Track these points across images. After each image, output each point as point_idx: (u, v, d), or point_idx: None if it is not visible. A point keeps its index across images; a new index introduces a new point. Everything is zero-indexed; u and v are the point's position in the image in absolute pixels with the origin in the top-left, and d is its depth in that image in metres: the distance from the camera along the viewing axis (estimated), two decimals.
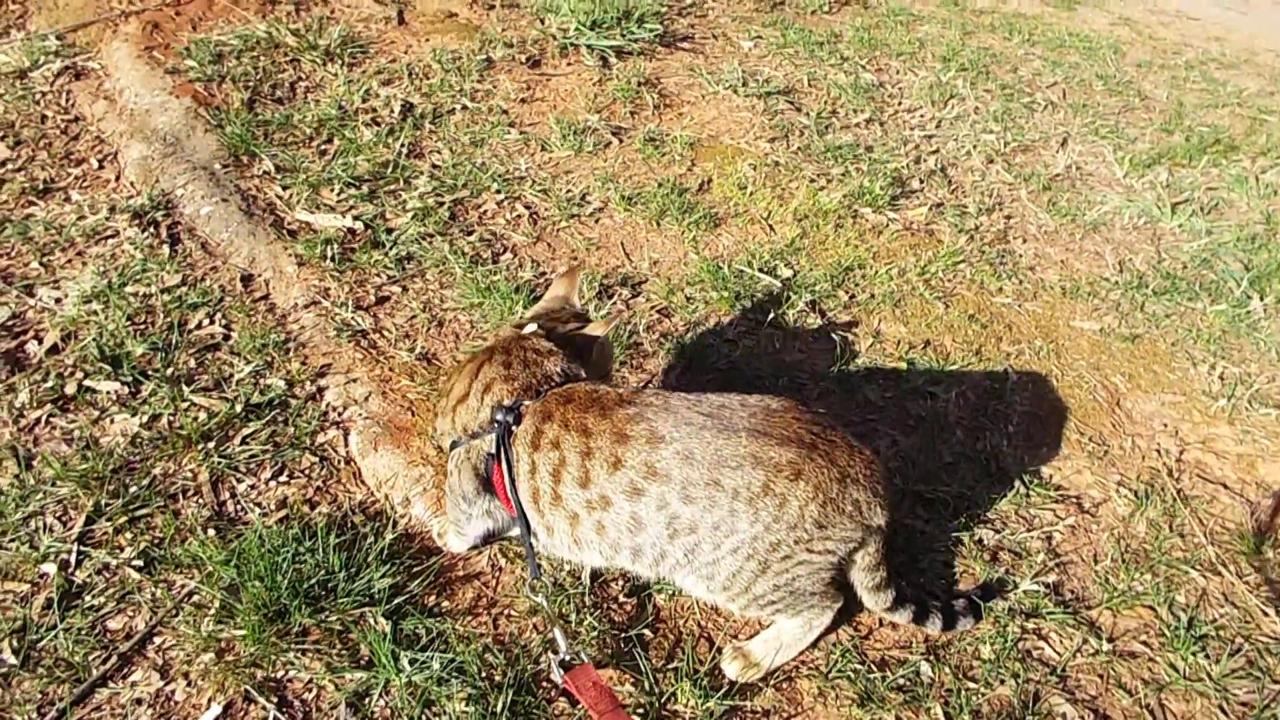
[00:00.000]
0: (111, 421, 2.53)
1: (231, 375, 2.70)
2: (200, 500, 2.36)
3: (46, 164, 3.50)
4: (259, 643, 2.02)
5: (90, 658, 1.99)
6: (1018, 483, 2.69)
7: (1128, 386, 3.15)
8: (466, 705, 1.95)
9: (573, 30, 4.65)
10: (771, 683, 2.10)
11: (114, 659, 1.99)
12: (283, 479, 2.45)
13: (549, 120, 4.08)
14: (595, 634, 2.15)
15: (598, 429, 1.92)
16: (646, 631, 2.18)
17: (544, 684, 2.04)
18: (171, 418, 2.54)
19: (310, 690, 1.99)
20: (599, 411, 1.94)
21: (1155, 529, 2.63)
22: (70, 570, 2.15)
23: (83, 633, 2.03)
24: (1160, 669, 2.27)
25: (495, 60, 4.43)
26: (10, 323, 2.78)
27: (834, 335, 3.13)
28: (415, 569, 2.23)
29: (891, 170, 4.10)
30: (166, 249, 3.13)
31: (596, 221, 3.54)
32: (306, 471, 2.48)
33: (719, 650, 2.14)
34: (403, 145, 3.72)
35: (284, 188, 3.43)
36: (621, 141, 4.04)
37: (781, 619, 2.09)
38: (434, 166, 3.68)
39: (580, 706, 1.95)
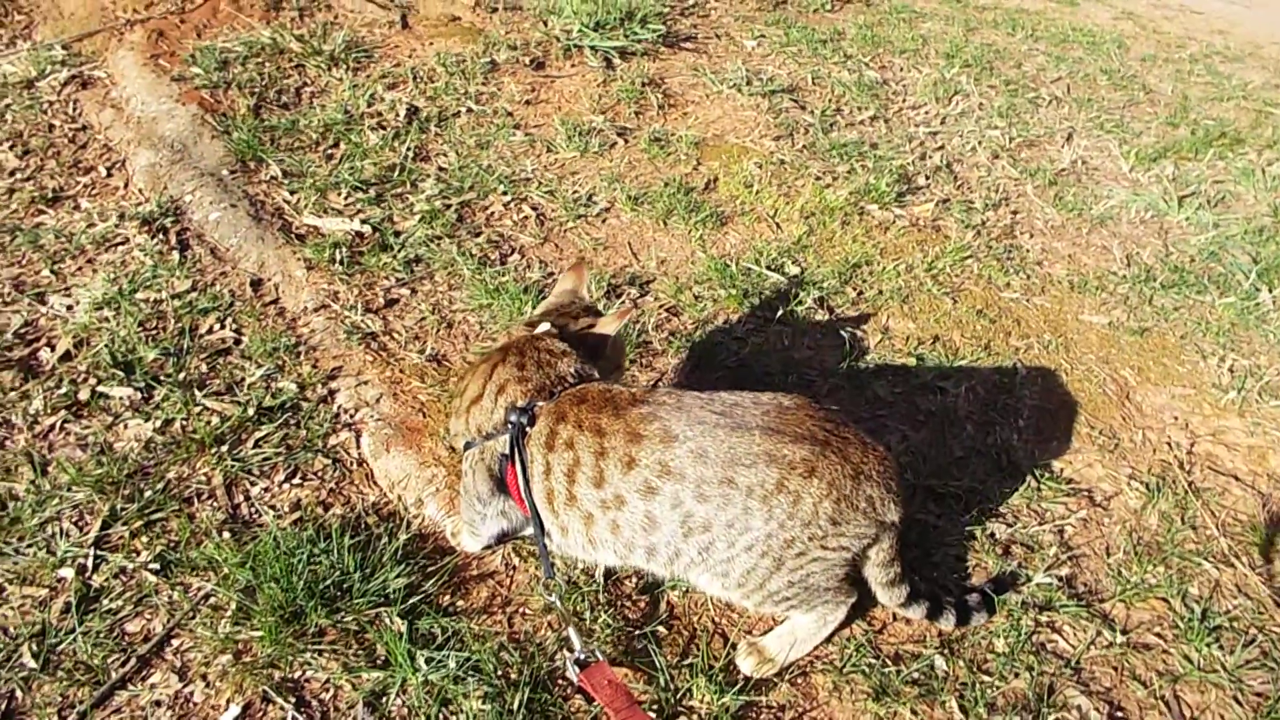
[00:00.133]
0: (125, 427, 2.54)
1: (243, 379, 2.71)
2: (215, 503, 2.37)
3: (55, 172, 3.52)
4: (276, 644, 2.03)
5: (109, 660, 2.00)
6: (1029, 476, 2.70)
7: (1137, 380, 3.16)
8: (483, 703, 1.96)
9: (576, 32, 4.66)
10: (786, 678, 2.11)
11: (133, 661, 2.01)
12: (296, 481, 2.46)
13: (554, 121, 4.09)
14: (610, 632, 2.16)
15: (611, 429, 1.92)
16: (661, 629, 2.19)
17: (560, 682, 2.05)
18: (184, 422, 2.56)
19: (328, 690, 2.00)
20: (612, 411, 1.95)
21: (1167, 521, 2.63)
22: (88, 574, 2.17)
23: (101, 636, 2.05)
24: (1174, 660, 2.27)
25: (499, 63, 4.44)
26: (23, 330, 2.80)
27: (842, 332, 3.13)
28: (430, 569, 2.24)
29: (897, 167, 4.11)
30: (176, 255, 3.15)
31: (603, 221, 3.55)
32: (319, 474, 2.49)
33: (733, 646, 2.15)
34: (409, 149, 3.74)
35: (291, 192, 3.44)
36: (626, 142, 4.05)
37: (796, 615, 2.10)
38: (440, 169, 3.70)
39: (596, 704, 1.96)
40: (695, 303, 3.19)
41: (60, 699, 1.94)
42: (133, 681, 1.99)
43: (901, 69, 5.20)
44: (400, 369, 2.79)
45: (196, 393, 2.63)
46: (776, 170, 3.98)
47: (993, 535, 2.52)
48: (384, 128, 3.86)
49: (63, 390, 2.60)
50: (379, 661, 2.05)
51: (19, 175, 3.47)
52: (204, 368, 2.73)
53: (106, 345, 2.72)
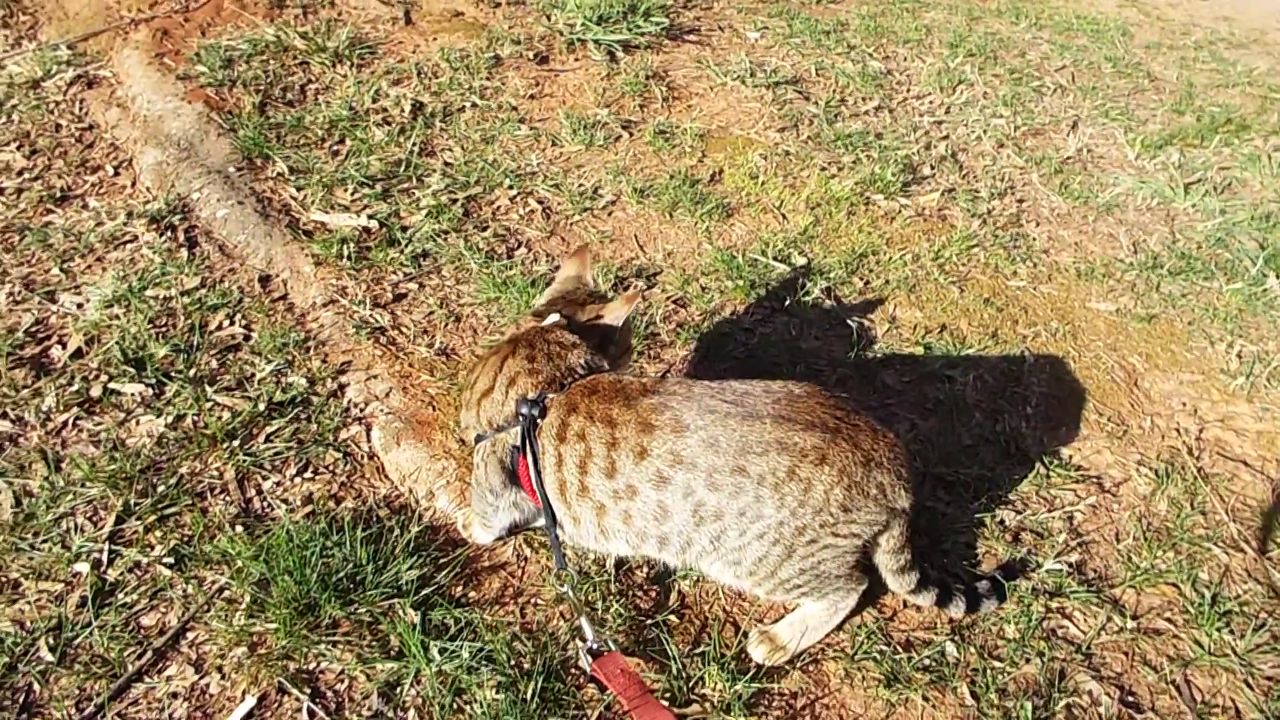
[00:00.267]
0: (137, 423, 2.56)
1: (253, 374, 2.72)
2: (227, 498, 2.39)
3: (63, 172, 3.53)
4: (290, 636, 2.05)
5: (125, 653, 2.02)
6: (1038, 464, 2.70)
7: (1145, 366, 3.15)
8: (497, 693, 1.98)
9: (579, 25, 4.66)
10: (798, 665, 2.12)
11: (149, 654, 2.02)
12: (308, 475, 2.48)
13: (559, 115, 4.09)
14: (621, 621, 2.17)
15: (623, 419, 1.93)
16: (672, 618, 2.20)
17: (573, 671, 2.06)
18: (196, 418, 2.57)
19: (342, 681, 2.02)
20: (623, 402, 1.95)
21: (1176, 507, 2.64)
22: (102, 569, 2.18)
23: (117, 629, 2.06)
24: (1185, 645, 2.27)
25: (503, 57, 4.45)
26: (34, 328, 2.81)
27: (850, 321, 3.14)
28: (442, 560, 2.25)
29: (902, 157, 4.10)
30: (185, 252, 3.16)
31: (609, 214, 3.56)
32: (331, 467, 2.51)
33: (745, 634, 2.16)
34: (414, 144, 3.74)
35: (298, 189, 3.45)
36: (631, 135, 4.05)
37: (807, 602, 2.10)
38: (446, 164, 3.70)
39: (609, 693, 1.97)
40: (702, 294, 3.19)
41: (78, 692, 1.95)
42: (149, 674, 2.00)
43: (905, 59, 5.19)
44: (409, 363, 2.80)
45: (207, 388, 2.64)
46: (782, 161, 3.98)
47: (1002, 522, 2.52)
48: (389, 123, 3.87)
49: (74, 387, 2.62)
50: (393, 652, 2.06)
51: (27, 175, 3.48)
52: (214, 364, 2.75)
53: (117, 342, 2.74)
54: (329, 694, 1.99)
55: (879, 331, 3.13)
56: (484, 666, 2.03)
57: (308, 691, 1.98)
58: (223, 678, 2.01)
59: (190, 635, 2.08)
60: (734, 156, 3.98)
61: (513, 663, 2.04)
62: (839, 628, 2.18)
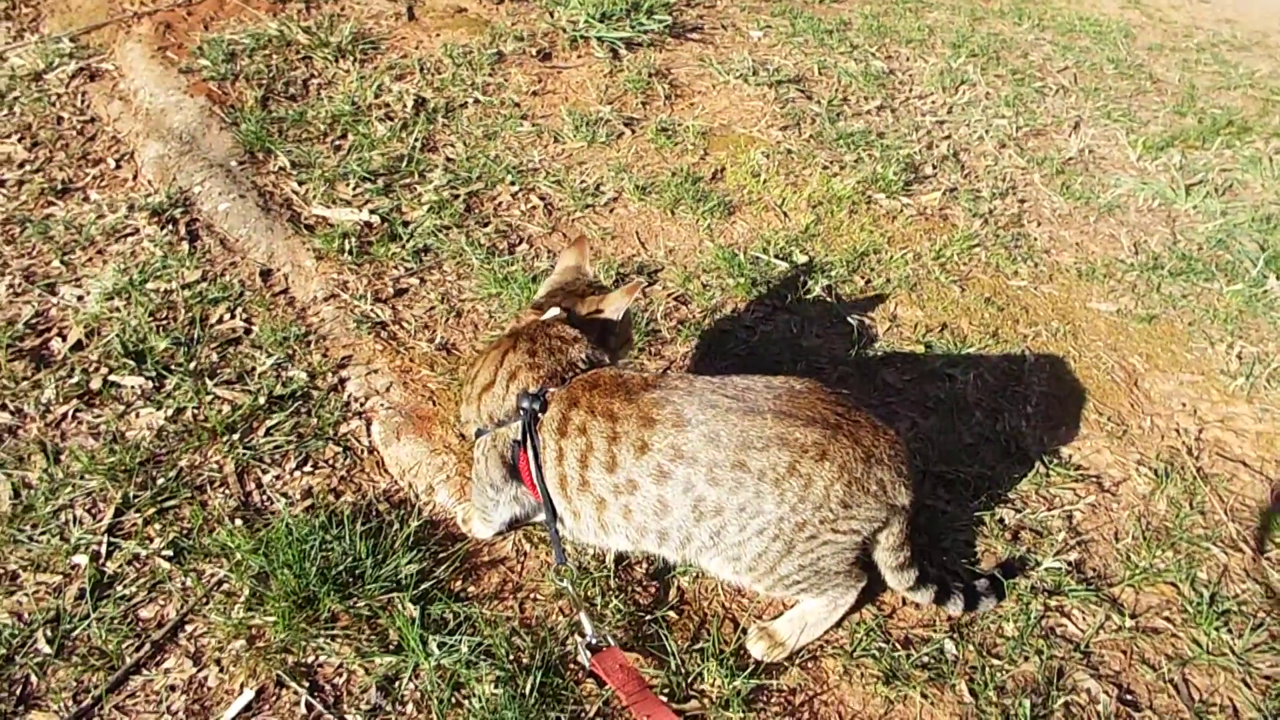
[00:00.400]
0: (137, 415, 2.55)
1: (254, 368, 2.72)
2: (227, 491, 2.38)
3: (64, 164, 3.52)
4: (289, 629, 2.04)
5: (123, 646, 2.02)
6: (1037, 463, 2.70)
7: (1145, 366, 3.15)
8: (495, 687, 1.97)
9: (582, 23, 4.66)
10: (797, 662, 2.12)
11: (147, 647, 2.02)
12: (307, 469, 2.48)
13: (561, 112, 4.09)
14: (620, 617, 2.17)
15: (624, 414, 1.93)
16: (671, 613, 2.20)
17: (571, 666, 2.06)
18: (196, 411, 2.57)
19: (341, 675, 2.02)
20: (625, 396, 1.95)
21: (1175, 507, 2.64)
22: (101, 561, 2.18)
23: (115, 622, 2.06)
24: (1183, 644, 2.27)
25: (506, 54, 4.44)
26: (34, 320, 2.81)
27: (851, 319, 3.14)
28: (441, 555, 2.25)
29: (904, 156, 4.10)
30: (186, 245, 3.16)
31: (611, 211, 3.55)
32: (330, 461, 2.50)
33: (744, 631, 2.16)
34: (416, 139, 3.74)
35: (300, 183, 3.45)
36: (634, 132, 4.05)
37: (806, 599, 2.10)
38: (448, 160, 3.70)
39: (608, 688, 1.97)
40: (704, 291, 3.19)
41: (75, 684, 1.95)
42: (147, 666, 2.00)
43: (908, 59, 5.19)
44: (410, 357, 2.80)
45: (207, 381, 2.64)
46: (784, 160, 3.98)
47: (1002, 521, 2.52)
48: (391, 119, 3.87)
49: (74, 379, 2.62)
50: (391, 646, 2.06)
51: (28, 167, 3.48)
52: (215, 357, 2.74)
53: (117, 335, 2.74)
54: (327, 687, 1.99)
55: (880, 330, 3.13)
56: (483, 661, 2.02)
57: (306, 685, 1.98)
58: (221, 671, 2.01)
59: (189, 628, 2.08)
60: (736, 154, 3.98)
61: (512, 657, 2.04)
62: (838, 624, 2.18)
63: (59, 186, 3.38)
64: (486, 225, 3.37)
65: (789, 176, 3.88)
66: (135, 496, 2.31)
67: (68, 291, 2.93)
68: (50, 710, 1.90)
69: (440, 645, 2.04)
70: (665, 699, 1.99)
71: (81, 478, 2.35)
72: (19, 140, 3.60)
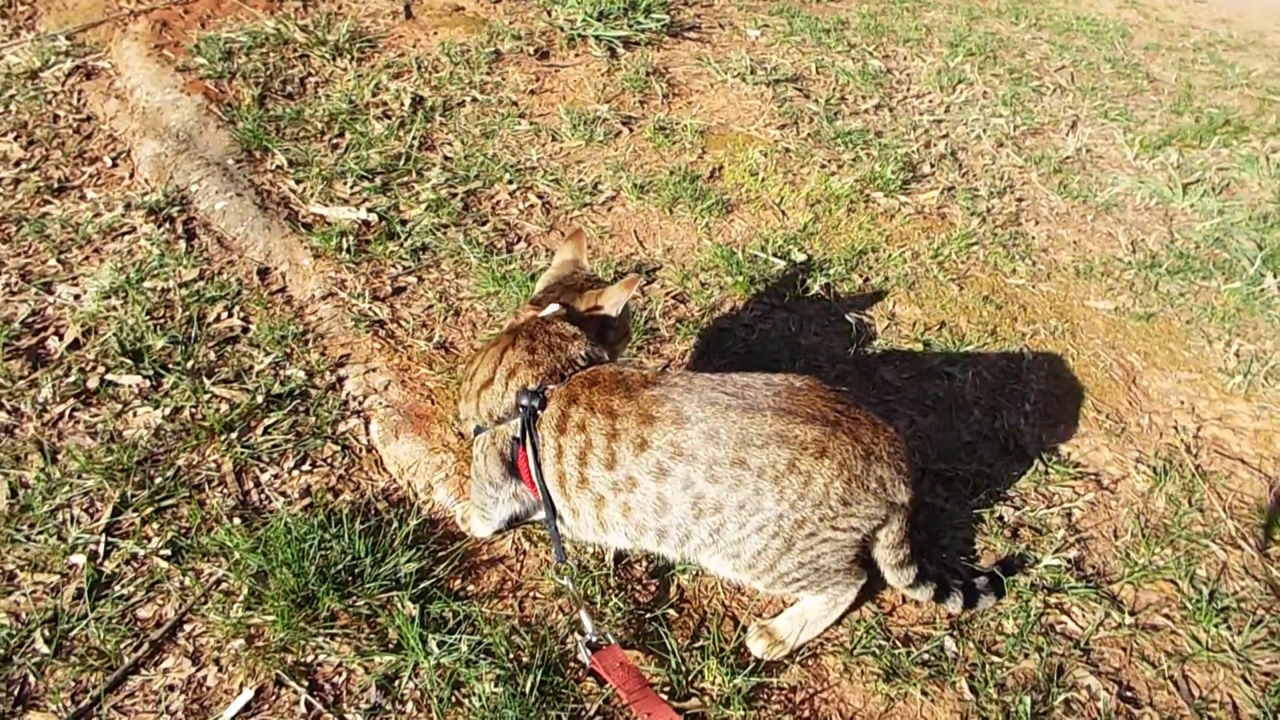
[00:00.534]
0: (134, 414, 2.55)
1: (251, 367, 2.71)
2: (225, 490, 2.38)
3: (60, 163, 3.51)
4: (288, 628, 2.04)
5: (122, 646, 2.01)
6: (1036, 460, 2.70)
7: (1143, 364, 3.16)
8: (495, 686, 1.97)
9: (580, 21, 4.66)
10: (797, 660, 2.12)
11: (145, 646, 2.01)
12: (305, 468, 2.47)
13: (559, 111, 4.09)
14: (620, 615, 2.17)
15: (623, 411, 1.93)
16: (671, 612, 2.20)
17: (572, 664, 2.05)
18: (193, 410, 2.56)
19: (340, 674, 2.01)
20: (624, 393, 1.95)
21: (1174, 504, 2.64)
22: (99, 561, 2.17)
23: (113, 621, 2.05)
24: (1183, 641, 2.28)
25: (503, 52, 4.44)
26: (30, 319, 2.80)
27: (849, 318, 3.14)
28: (440, 554, 2.25)
29: (902, 155, 4.10)
30: (183, 244, 3.15)
31: (609, 210, 3.55)
32: (329, 460, 2.50)
33: (744, 629, 2.16)
34: (414, 138, 3.74)
35: (297, 181, 3.44)
36: (631, 131, 4.05)
37: (806, 596, 2.10)
38: (446, 158, 3.70)
39: (608, 686, 1.97)
40: (702, 290, 3.19)
41: (73, 684, 1.94)
42: (146, 666, 1.99)
43: (905, 58, 5.19)
44: (408, 356, 2.79)
45: (205, 380, 2.64)
46: (782, 158, 3.98)
47: (1001, 518, 2.52)
48: (389, 117, 3.86)
49: (71, 378, 2.61)
50: (391, 645, 2.05)
51: (24, 165, 3.46)
52: (212, 356, 2.74)
53: (114, 334, 2.73)
54: (327, 686, 1.99)
55: (878, 328, 3.13)
56: (483, 660, 2.02)
57: (305, 684, 1.97)
58: (220, 670, 2.00)
59: (187, 627, 2.07)
60: (734, 153, 3.98)
61: (511, 656, 2.04)
62: (838, 622, 2.17)
63: (55, 185, 3.37)
64: (484, 224, 3.37)
65: (787, 175, 3.88)
66: (133, 496, 2.30)
67: (64, 290, 2.92)
68: (49, 710, 1.89)
69: (440, 644, 2.04)
70: (666, 697, 1.98)
71: (79, 477, 2.34)
72: (15, 138, 3.59)
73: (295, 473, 2.45)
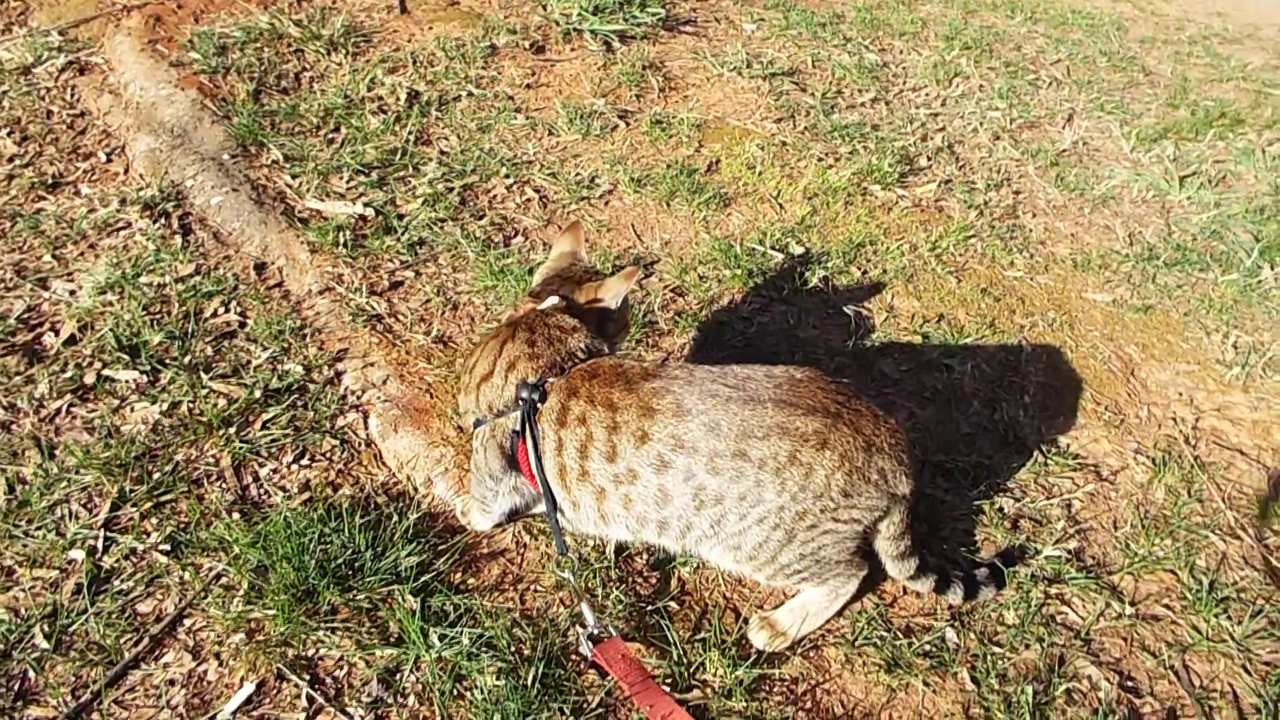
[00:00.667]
0: (132, 409, 2.54)
1: (249, 362, 2.70)
2: (224, 485, 2.37)
3: (54, 158, 3.50)
4: (289, 622, 2.03)
5: (122, 640, 2.00)
6: (1035, 452, 2.70)
7: (1142, 356, 3.16)
8: (497, 679, 1.97)
9: (575, 15, 4.64)
10: (799, 651, 2.12)
11: (145, 641, 2.01)
12: (304, 462, 2.46)
13: (555, 105, 4.08)
14: (622, 607, 2.16)
15: (624, 403, 1.92)
16: (672, 604, 2.20)
17: (573, 657, 2.05)
18: (191, 404, 2.55)
19: (341, 667, 2.01)
20: (624, 386, 1.94)
21: (1174, 495, 2.64)
22: (98, 556, 2.16)
23: (113, 616, 2.05)
24: (1183, 631, 2.28)
25: (499, 47, 4.42)
26: (26, 315, 2.79)
27: (848, 310, 3.13)
28: (440, 547, 2.24)
29: (899, 148, 4.10)
30: (179, 239, 3.14)
31: (606, 204, 3.54)
32: (328, 454, 2.49)
33: (745, 620, 2.16)
34: (410, 132, 3.72)
35: (293, 176, 3.43)
36: (628, 125, 4.04)
37: (807, 588, 2.10)
38: (442, 153, 3.68)
39: (610, 678, 1.96)
40: (700, 283, 3.18)
41: (74, 678, 1.94)
42: (146, 661, 1.99)
43: (901, 51, 5.19)
44: (406, 350, 2.78)
45: (203, 375, 2.63)
46: (779, 152, 3.97)
47: (1001, 510, 2.52)
48: (385, 112, 3.85)
49: (68, 374, 2.60)
50: (392, 639, 2.05)
51: (18, 161, 3.45)
52: (209, 351, 2.73)
53: (111, 329, 2.71)
54: (328, 680, 1.98)
55: (877, 320, 3.13)
56: (484, 653, 2.02)
57: (306, 678, 1.97)
58: (220, 664, 1.99)
59: (187, 622, 2.07)
60: (731, 147, 3.97)
61: (513, 649, 2.03)
62: (839, 614, 2.17)
63: (49, 180, 3.35)
64: (481, 218, 3.36)
65: (784, 168, 3.87)
66: (131, 491, 2.29)
67: (60, 286, 2.90)
68: (49, 705, 1.89)
69: (441, 637, 2.03)
70: (667, 689, 1.98)
71: (77, 472, 2.33)
72: (8, 134, 3.57)
73: (294, 467, 2.44)
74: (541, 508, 2.18)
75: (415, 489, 2.42)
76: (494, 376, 2.08)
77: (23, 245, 3.06)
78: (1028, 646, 2.18)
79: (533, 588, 2.21)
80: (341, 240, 3.12)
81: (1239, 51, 6.08)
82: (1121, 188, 4.14)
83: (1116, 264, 3.60)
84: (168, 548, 2.19)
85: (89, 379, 2.59)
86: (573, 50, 4.53)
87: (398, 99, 3.93)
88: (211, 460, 2.42)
